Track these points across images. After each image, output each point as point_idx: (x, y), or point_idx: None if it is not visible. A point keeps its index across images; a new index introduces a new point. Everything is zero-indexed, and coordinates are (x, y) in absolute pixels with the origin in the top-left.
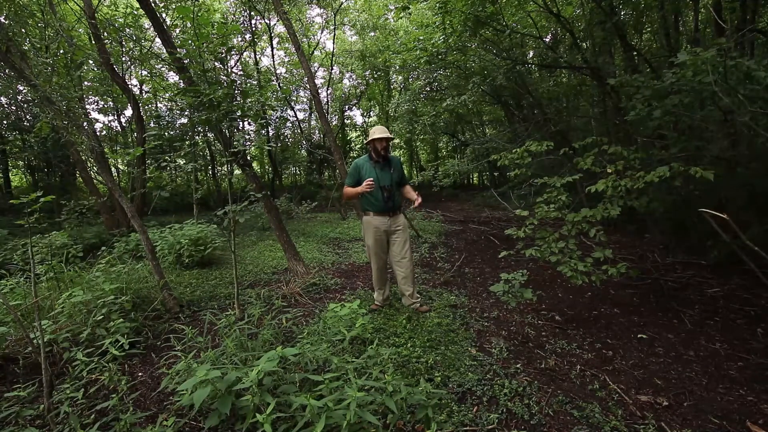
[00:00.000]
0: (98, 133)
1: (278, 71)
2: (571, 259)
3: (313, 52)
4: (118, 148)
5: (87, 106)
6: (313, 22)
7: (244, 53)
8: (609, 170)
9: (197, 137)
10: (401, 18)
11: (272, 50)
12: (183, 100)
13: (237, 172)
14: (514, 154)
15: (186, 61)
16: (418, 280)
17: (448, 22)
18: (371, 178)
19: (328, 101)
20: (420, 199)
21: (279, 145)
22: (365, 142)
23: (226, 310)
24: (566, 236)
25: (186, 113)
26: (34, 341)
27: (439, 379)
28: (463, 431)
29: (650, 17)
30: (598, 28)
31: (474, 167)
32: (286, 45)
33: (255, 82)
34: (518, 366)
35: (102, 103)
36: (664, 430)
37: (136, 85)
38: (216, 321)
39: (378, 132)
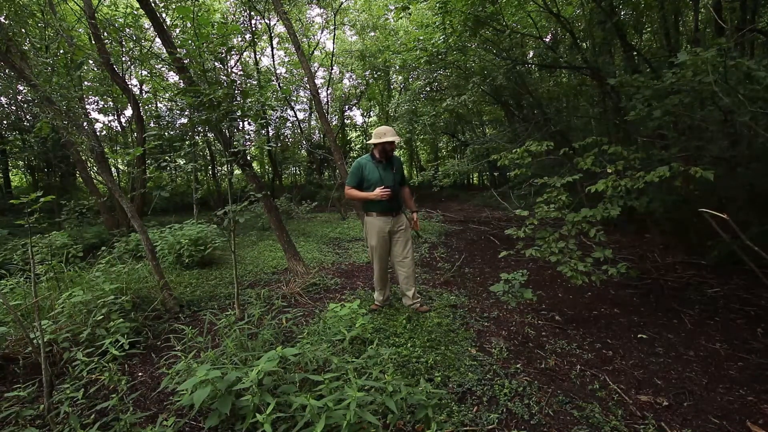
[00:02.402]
0: (98, 133)
1: (278, 71)
2: (571, 259)
3: (313, 52)
4: (118, 148)
5: (87, 106)
6: (313, 22)
7: (244, 53)
8: (609, 170)
9: (197, 137)
10: (401, 18)
11: (272, 50)
12: (183, 100)
13: (237, 172)
14: (514, 154)
15: (186, 61)
16: (418, 280)
17: (448, 22)
18: (385, 187)
19: (328, 101)
20: (418, 224)
21: (279, 145)
22: (372, 142)
23: (226, 310)
24: (566, 236)
25: (186, 113)
26: (34, 341)
27: (439, 379)
28: (463, 431)
29: (650, 17)
30: (598, 28)
31: (474, 167)
32: (286, 45)
33: (255, 82)
34: (518, 366)
35: (102, 103)
36: (664, 430)
37: (136, 85)
38: (216, 321)
39: (390, 134)
